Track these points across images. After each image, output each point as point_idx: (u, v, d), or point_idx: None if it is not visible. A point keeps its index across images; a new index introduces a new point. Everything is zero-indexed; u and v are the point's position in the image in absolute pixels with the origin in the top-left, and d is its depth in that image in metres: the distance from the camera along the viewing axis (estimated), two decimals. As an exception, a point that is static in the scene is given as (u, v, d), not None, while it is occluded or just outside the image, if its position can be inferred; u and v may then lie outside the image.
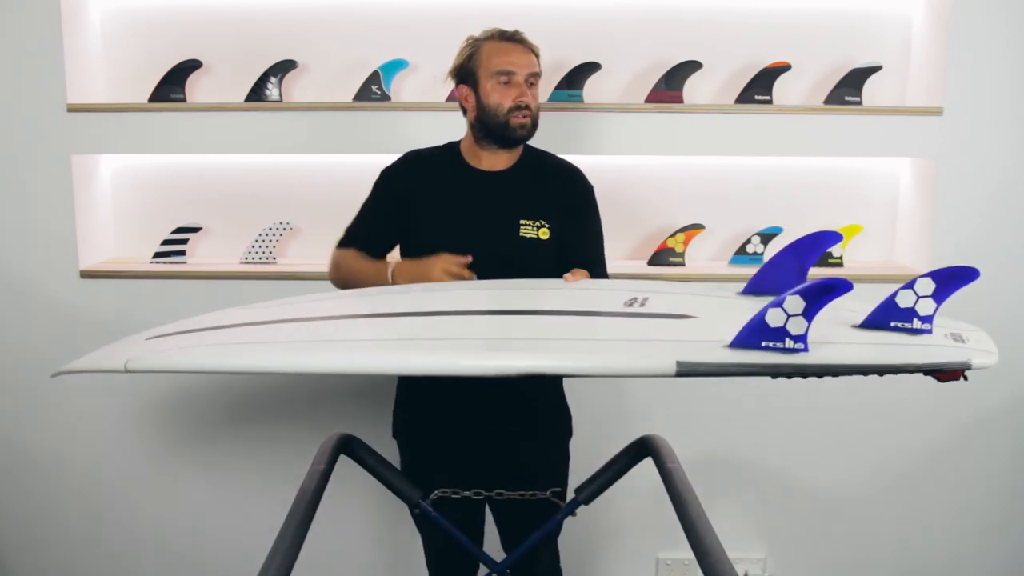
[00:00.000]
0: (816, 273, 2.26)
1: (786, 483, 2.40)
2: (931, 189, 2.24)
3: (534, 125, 1.70)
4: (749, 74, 2.23)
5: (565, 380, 1.82)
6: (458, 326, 1.31)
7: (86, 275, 2.23)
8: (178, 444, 2.36)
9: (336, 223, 2.32)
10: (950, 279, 1.18)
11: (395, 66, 2.21)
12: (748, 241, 2.30)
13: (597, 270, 1.71)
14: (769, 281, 1.41)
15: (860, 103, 2.22)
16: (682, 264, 2.29)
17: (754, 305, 1.32)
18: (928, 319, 1.20)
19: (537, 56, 1.70)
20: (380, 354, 1.20)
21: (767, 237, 2.30)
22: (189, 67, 2.21)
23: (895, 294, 1.20)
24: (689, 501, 1.29)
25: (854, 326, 1.22)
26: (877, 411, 2.31)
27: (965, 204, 2.24)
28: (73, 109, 2.15)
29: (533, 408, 1.76)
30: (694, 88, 2.25)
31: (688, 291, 1.47)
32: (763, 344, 1.10)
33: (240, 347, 1.27)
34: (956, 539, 2.43)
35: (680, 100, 2.21)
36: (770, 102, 2.20)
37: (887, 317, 1.21)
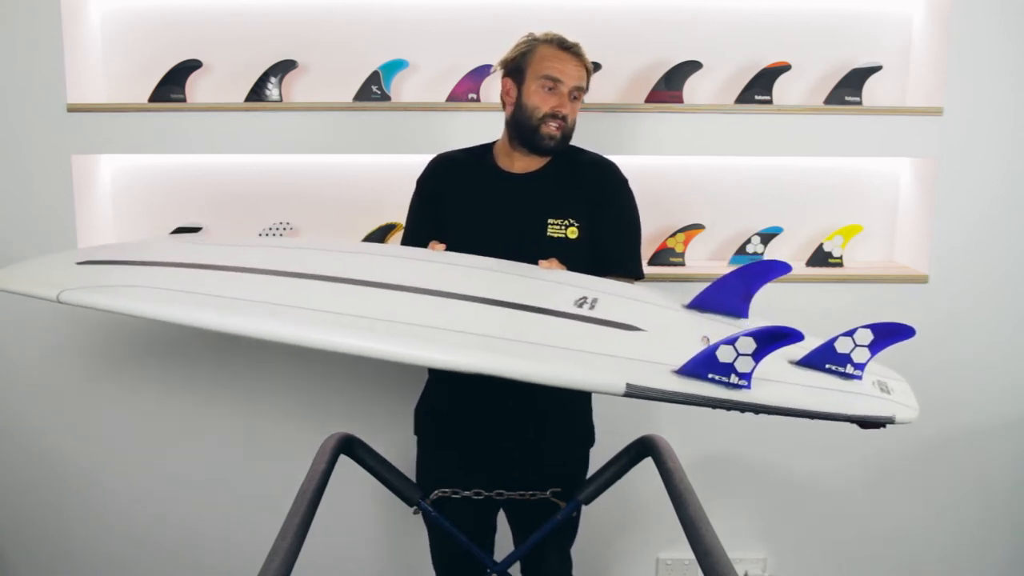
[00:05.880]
0: (816, 273, 2.27)
1: (786, 483, 2.40)
2: (931, 189, 2.24)
3: (564, 138, 1.69)
4: (749, 74, 2.23)
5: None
6: (412, 307, 1.31)
7: (86, 275, 2.23)
8: (178, 444, 2.36)
9: (336, 223, 2.33)
10: (887, 334, 1.25)
11: (395, 66, 2.21)
12: (748, 241, 2.30)
13: (627, 265, 1.71)
14: (715, 300, 1.46)
15: (860, 103, 2.21)
16: (682, 264, 2.29)
17: (698, 321, 1.40)
18: (861, 367, 1.27)
19: (588, 73, 1.70)
20: (318, 331, 1.17)
21: (767, 237, 2.30)
22: (189, 67, 2.21)
23: (834, 339, 1.27)
24: (689, 501, 1.30)
25: (791, 362, 1.28)
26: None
27: (965, 204, 2.24)
28: (73, 109, 2.15)
29: (559, 418, 1.75)
30: (694, 88, 2.25)
31: (636, 297, 1.49)
32: (709, 376, 1.15)
33: (182, 296, 1.26)
34: (955, 539, 2.43)
35: (680, 100, 2.20)
36: (770, 102, 2.20)
37: (823, 359, 1.27)
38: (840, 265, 2.30)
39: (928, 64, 2.24)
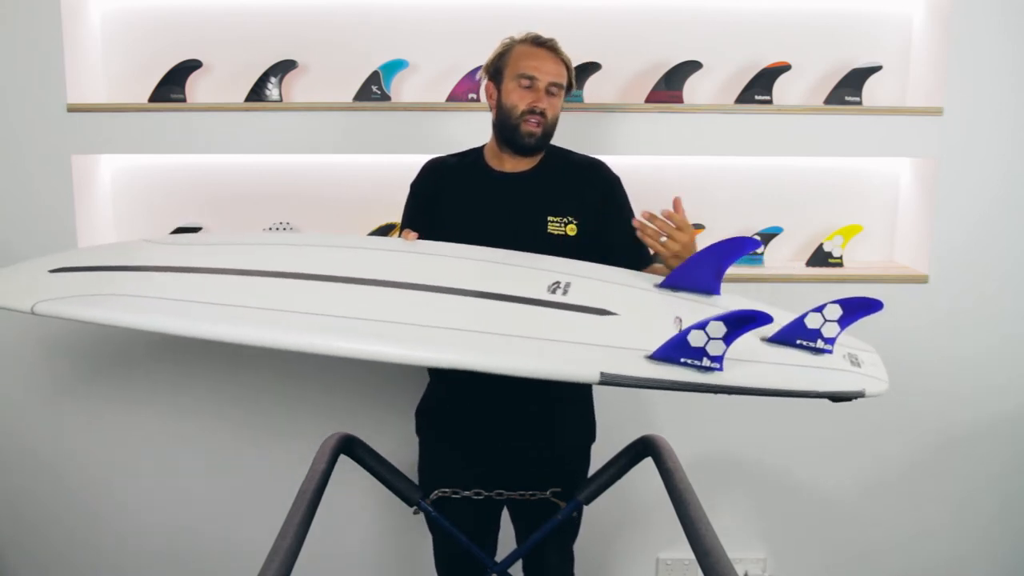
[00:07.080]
0: (816, 273, 2.27)
1: (786, 483, 2.40)
2: (931, 189, 2.24)
3: (545, 135, 1.70)
4: (749, 74, 2.23)
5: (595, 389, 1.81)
6: (382, 303, 1.32)
7: (86, 275, 2.23)
8: (178, 443, 2.35)
9: (336, 223, 2.33)
10: (856, 308, 1.27)
11: (395, 66, 2.21)
12: (748, 241, 2.30)
13: (641, 252, 1.71)
14: (687, 278, 1.47)
15: (860, 103, 2.21)
16: (682, 264, 2.28)
17: (670, 302, 1.41)
18: (831, 341, 1.29)
19: (568, 68, 1.71)
20: (294, 335, 1.19)
21: (767, 237, 2.30)
22: (189, 67, 2.21)
23: (804, 315, 1.29)
24: (689, 501, 1.30)
25: (763, 339, 1.30)
26: (877, 410, 2.31)
27: (965, 204, 2.24)
28: (73, 109, 2.15)
29: (561, 415, 1.75)
30: (694, 88, 2.25)
31: (608, 279, 1.50)
32: (682, 360, 1.17)
33: (159, 304, 1.27)
34: (955, 539, 2.43)
35: (680, 100, 2.20)
36: (770, 102, 2.20)
37: (794, 335, 1.29)
38: (840, 265, 2.30)
39: (928, 64, 2.24)
